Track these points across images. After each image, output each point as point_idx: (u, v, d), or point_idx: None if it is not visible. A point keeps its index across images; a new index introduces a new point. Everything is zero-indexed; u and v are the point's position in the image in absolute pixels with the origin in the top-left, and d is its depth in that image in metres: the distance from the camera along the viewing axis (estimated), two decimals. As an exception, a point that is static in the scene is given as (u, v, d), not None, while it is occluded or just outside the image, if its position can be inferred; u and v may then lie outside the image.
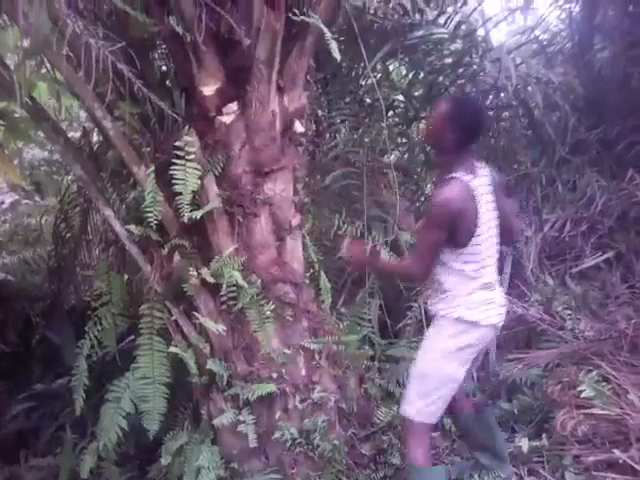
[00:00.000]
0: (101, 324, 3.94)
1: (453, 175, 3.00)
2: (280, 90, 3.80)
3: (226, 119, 3.64)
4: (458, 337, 3.07)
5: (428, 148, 6.33)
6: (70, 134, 4.45)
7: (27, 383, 5.08)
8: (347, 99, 5.85)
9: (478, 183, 3.02)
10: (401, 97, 6.17)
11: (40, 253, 6.64)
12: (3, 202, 7.85)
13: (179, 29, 3.49)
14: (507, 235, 3.26)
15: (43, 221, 6.87)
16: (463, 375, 3.17)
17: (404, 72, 6.18)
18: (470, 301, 3.06)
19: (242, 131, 3.66)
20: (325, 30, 3.58)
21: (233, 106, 3.65)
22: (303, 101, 3.93)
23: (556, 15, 7.33)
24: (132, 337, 4.18)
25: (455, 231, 2.96)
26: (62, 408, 4.58)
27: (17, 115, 4.56)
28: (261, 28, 3.56)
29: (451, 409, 3.38)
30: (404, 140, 6.19)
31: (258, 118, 3.67)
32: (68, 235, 5.47)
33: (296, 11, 3.64)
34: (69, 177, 5.77)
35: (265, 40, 3.58)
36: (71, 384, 3.98)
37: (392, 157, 5.77)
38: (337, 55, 3.61)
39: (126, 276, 4.06)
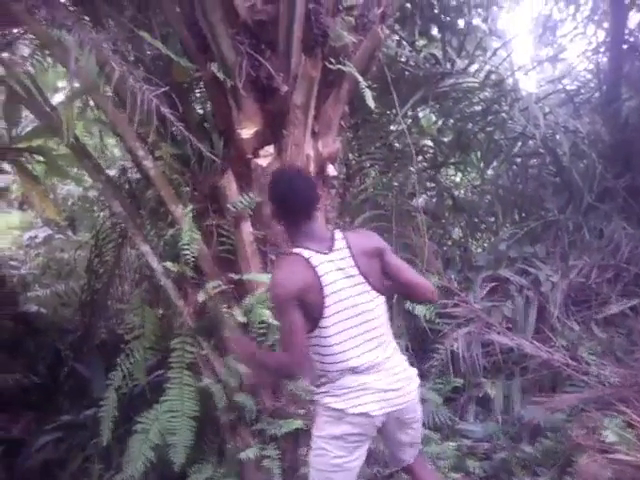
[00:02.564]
0: (133, 357, 4.03)
1: (292, 251, 2.69)
2: (315, 135, 3.95)
3: (262, 161, 3.79)
4: (332, 425, 2.69)
5: (456, 193, 6.47)
6: (108, 172, 4.59)
7: (55, 414, 5.14)
8: (377, 144, 6.00)
9: (327, 259, 2.64)
10: (430, 143, 6.31)
11: (72, 287, 6.76)
12: (37, 236, 8.02)
13: (220, 75, 3.67)
14: (415, 294, 2.92)
15: (76, 256, 7.02)
16: (355, 464, 2.76)
17: (434, 119, 6.32)
18: (336, 387, 2.68)
19: (277, 174, 3.78)
20: (360, 79, 3.73)
21: (270, 149, 3.80)
22: (337, 146, 4.08)
23: (584, 66, 7.46)
24: (161, 371, 4.27)
25: (305, 310, 2.60)
26: (89, 439, 4.62)
27: (55, 152, 4.74)
28: (299, 75, 3.73)
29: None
30: (432, 185, 6.29)
31: (293, 161, 3.80)
32: (101, 270, 5.62)
33: (332, 60, 3.81)
34: (103, 213, 5.91)
35: (302, 87, 3.73)
36: (99, 415, 4.07)
37: (420, 200, 5.86)
38: (371, 103, 3.76)
39: (160, 311, 4.16)
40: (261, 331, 3.62)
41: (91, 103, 4.39)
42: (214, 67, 3.68)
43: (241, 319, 3.60)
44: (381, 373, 2.70)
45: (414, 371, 2.89)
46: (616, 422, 3.95)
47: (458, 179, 6.98)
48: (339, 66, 3.79)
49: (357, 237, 2.80)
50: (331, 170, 4.02)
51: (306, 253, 2.63)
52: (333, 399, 2.67)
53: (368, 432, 2.71)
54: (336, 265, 2.65)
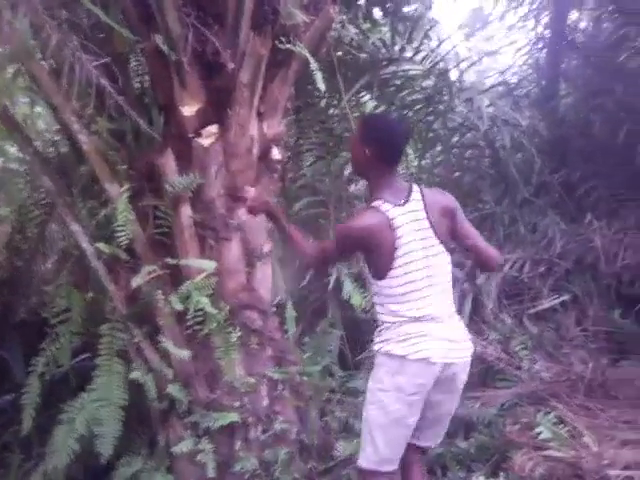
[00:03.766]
0: (58, 341, 3.81)
1: (372, 204, 2.72)
2: (260, 116, 3.79)
3: (205, 141, 3.61)
4: (395, 375, 2.69)
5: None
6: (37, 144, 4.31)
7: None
8: (316, 128, 5.87)
9: (402, 211, 2.68)
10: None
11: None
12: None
13: (164, 48, 3.46)
14: (479, 261, 2.96)
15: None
16: (413, 419, 2.75)
17: (374, 104, 6.23)
18: (397, 333, 2.70)
19: (220, 154, 3.63)
20: (311, 60, 3.59)
21: (213, 128, 3.63)
22: (282, 128, 3.95)
23: (523, 60, 7.49)
24: (87, 355, 4.07)
25: (369, 261, 2.75)
26: (7, 426, 4.39)
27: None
28: (246, 52, 3.57)
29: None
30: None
31: (237, 142, 3.66)
32: (23, 247, 5.32)
33: (282, 39, 3.66)
34: (26, 187, 5.58)
35: (249, 65, 3.58)
36: (20, 402, 3.84)
37: (357, 187, 5.79)
38: (322, 86, 3.64)
39: (89, 294, 3.94)
40: (198, 319, 3.46)
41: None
42: (158, 39, 3.47)
43: (177, 306, 3.42)
44: (444, 324, 2.75)
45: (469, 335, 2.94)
46: (549, 418, 3.98)
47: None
48: (289, 45, 3.64)
49: (432, 193, 2.85)
50: (275, 153, 3.88)
51: (384, 206, 2.67)
52: (394, 346, 2.69)
53: (427, 382, 2.69)
54: (410, 217, 2.69)
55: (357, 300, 4.50)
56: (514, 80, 7.27)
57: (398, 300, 2.70)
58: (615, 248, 5.76)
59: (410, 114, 5.95)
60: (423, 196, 2.76)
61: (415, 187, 2.80)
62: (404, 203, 2.71)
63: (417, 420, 2.77)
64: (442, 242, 2.77)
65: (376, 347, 2.80)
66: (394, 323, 2.72)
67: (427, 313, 2.70)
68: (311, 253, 2.92)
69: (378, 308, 2.80)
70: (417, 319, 2.69)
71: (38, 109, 4.96)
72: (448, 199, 2.87)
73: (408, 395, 2.68)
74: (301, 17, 3.67)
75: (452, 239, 2.85)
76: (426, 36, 5.84)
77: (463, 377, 2.85)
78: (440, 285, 2.77)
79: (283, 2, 3.63)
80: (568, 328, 5.34)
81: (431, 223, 2.74)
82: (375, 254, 2.69)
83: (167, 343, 3.47)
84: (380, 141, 2.73)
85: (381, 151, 2.73)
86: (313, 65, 3.62)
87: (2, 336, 5.34)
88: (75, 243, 3.92)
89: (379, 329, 2.80)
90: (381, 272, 2.70)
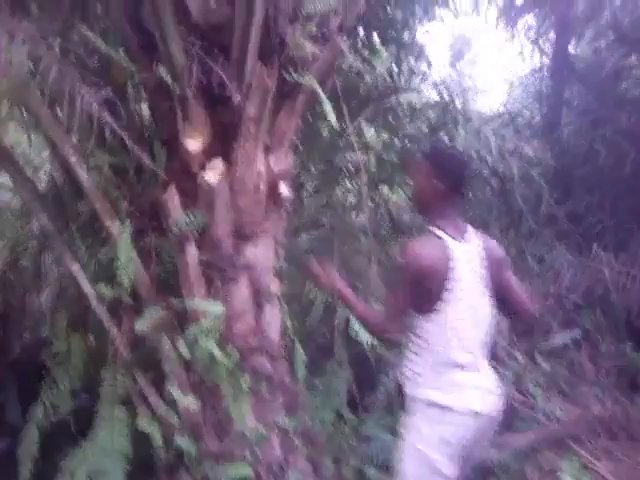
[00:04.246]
0: (57, 387, 3.62)
1: (430, 229, 2.70)
2: (267, 150, 3.64)
3: (210, 177, 3.44)
4: (436, 425, 2.61)
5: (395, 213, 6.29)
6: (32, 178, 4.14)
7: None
8: (316, 158, 5.74)
9: (460, 247, 2.65)
10: (371, 159, 6.09)
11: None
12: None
13: (167, 79, 3.31)
14: (519, 315, 2.87)
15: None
16: (452, 470, 2.64)
17: (376, 134, 6.11)
18: (440, 381, 2.64)
19: (226, 190, 3.47)
20: (320, 92, 3.46)
21: (218, 163, 3.46)
22: (289, 162, 3.79)
23: (526, 88, 7.43)
24: (87, 399, 3.88)
25: (419, 292, 2.61)
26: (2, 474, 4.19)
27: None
28: (253, 84, 3.42)
29: None
30: (374, 203, 6.08)
31: (243, 178, 3.50)
32: (17, 282, 5.13)
33: (290, 70, 3.53)
34: (21, 221, 5.41)
35: (256, 97, 3.44)
36: (15, 449, 3.63)
37: (362, 220, 5.63)
38: (333, 118, 3.49)
39: (88, 337, 3.75)
40: (206, 365, 3.28)
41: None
42: (161, 70, 3.33)
43: (184, 351, 3.25)
44: (481, 373, 2.72)
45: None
46: (572, 464, 3.82)
47: (396, 198, 6.78)
48: (297, 77, 3.51)
49: (485, 238, 2.82)
50: (283, 189, 3.72)
51: (444, 236, 2.65)
52: (436, 394, 2.63)
53: (471, 433, 2.63)
54: (466, 256, 2.65)
55: (365, 337, 4.34)
56: (515, 109, 7.19)
57: (441, 340, 2.64)
58: (623, 280, 5.66)
59: (413, 145, 5.81)
60: (479, 239, 2.76)
61: (470, 228, 2.79)
62: (461, 241, 2.69)
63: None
64: (489, 288, 2.73)
65: (414, 394, 2.73)
66: (435, 369, 2.65)
67: (469, 359, 2.66)
68: (386, 321, 2.72)
69: (417, 351, 2.72)
70: (459, 365, 2.64)
71: (34, 142, 4.80)
72: (498, 248, 2.85)
73: (450, 446, 2.61)
74: (309, 48, 3.54)
75: (495, 288, 2.78)
76: (429, 64, 5.76)
77: (495, 427, 2.78)
78: (482, 331, 2.73)
79: (290, 33, 3.51)
80: (581, 364, 5.22)
81: (483, 267, 2.71)
82: (428, 283, 2.60)
83: (173, 390, 3.29)
84: (451, 173, 2.75)
85: (452, 183, 2.73)
86: (322, 97, 3.48)
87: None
88: (73, 282, 3.75)
89: (414, 373, 2.73)
90: (429, 304, 2.63)
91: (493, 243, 2.84)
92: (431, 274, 2.59)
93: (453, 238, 2.66)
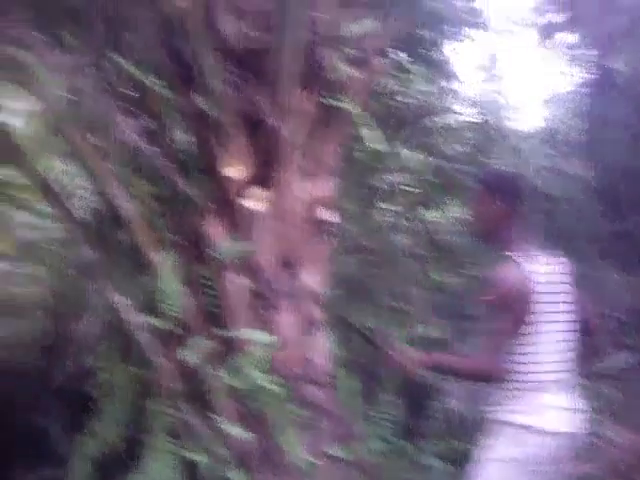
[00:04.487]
0: (103, 418, 3.59)
1: (508, 253, 2.66)
2: (307, 175, 3.59)
3: (250, 204, 3.41)
4: (520, 447, 2.59)
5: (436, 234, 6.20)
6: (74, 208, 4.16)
7: (7, 471, 4.64)
8: (354, 181, 5.69)
9: (538, 267, 2.63)
10: (408, 180, 6.03)
11: (25, 326, 6.23)
12: (-16, 268, 7.43)
13: (205, 106, 3.30)
14: (584, 332, 2.81)
15: (29, 291, 6.48)
16: None
17: (413, 155, 6.05)
18: (524, 402, 2.62)
19: (267, 218, 3.43)
20: (361, 116, 3.42)
21: (258, 191, 3.44)
22: (330, 187, 3.74)
23: (565, 105, 7.35)
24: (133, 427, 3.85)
25: (505, 318, 2.61)
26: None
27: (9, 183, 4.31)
28: (292, 111, 3.39)
29: None
30: (411, 225, 6.01)
31: (284, 204, 3.47)
32: (61, 311, 5.16)
33: (328, 94, 3.50)
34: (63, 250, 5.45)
35: (295, 123, 3.41)
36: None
37: (403, 242, 5.57)
38: (373, 141, 3.46)
39: (134, 369, 3.72)
40: (253, 395, 3.22)
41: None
42: (198, 97, 3.32)
43: (229, 381, 3.19)
44: (563, 393, 2.68)
45: None
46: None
47: (437, 219, 6.70)
48: (336, 101, 3.47)
49: (550, 257, 2.76)
50: (325, 214, 3.67)
51: (522, 258, 2.62)
52: (522, 415, 2.61)
53: (554, 453, 2.60)
54: (544, 277, 2.63)
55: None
56: (554, 126, 7.10)
57: (525, 362, 2.62)
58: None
59: (450, 165, 5.74)
60: (547, 258, 2.73)
61: (536, 250, 2.75)
62: (537, 261, 2.66)
63: None
64: (565, 307, 2.71)
65: (497, 416, 2.71)
66: (520, 390, 2.63)
67: (552, 378, 2.65)
68: (487, 361, 2.64)
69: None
70: (545, 387, 2.63)
71: (74, 171, 4.84)
72: (563, 266, 2.80)
73: (534, 466, 2.59)
74: (347, 71, 3.50)
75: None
76: (463, 83, 5.73)
77: (572, 448, 2.73)
78: (563, 350, 2.70)
79: (328, 56, 3.47)
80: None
81: (558, 286, 2.70)
82: (518, 307, 2.59)
83: (221, 421, 3.24)
84: (511, 190, 2.77)
85: (514, 200, 2.74)
86: (363, 121, 3.44)
87: (40, 404, 5.16)
88: (117, 312, 3.73)
89: (496, 395, 2.71)
90: (515, 328, 2.60)
91: (557, 260, 2.80)
92: (520, 298, 2.58)
93: (529, 259, 2.64)
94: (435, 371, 3.08)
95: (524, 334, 2.60)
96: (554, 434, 2.59)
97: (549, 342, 2.65)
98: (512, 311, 2.59)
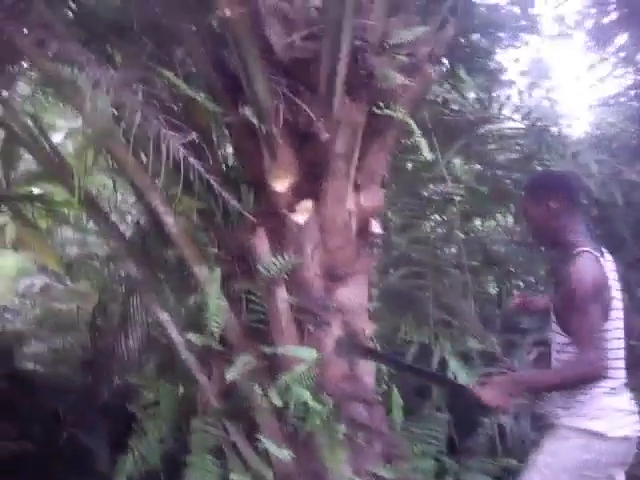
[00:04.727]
0: (146, 438, 3.54)
1: (582, 249, 2.51)
2: (357, 187, 3.50)
3: (299, 217, 3.32)
4: (586, 454, 2.47)
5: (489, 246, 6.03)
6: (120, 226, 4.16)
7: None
8: (404, 192, 5.56)
9: (607, 263, 2.56)
10: (461, 191, 5.88)
11: (71, 342, 6.25)
12: (33, 284, 7.49)
13: (253, 119, 3.22)
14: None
15: (75, 308, 6.51)
16: None
17: (466, 164, 5.91)
18: (594, 407, 2.48)
19: (316, 231, 3.34)
20: (414, 126, 3.30)
21: (307, 204, 3.34)
22: (380, 199, 3.63)
23: (620, 109, 7.11)
24: (176, 446, 3.80)
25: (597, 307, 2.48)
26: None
27: (58, 201, 4.33)
28: (341, 120, 3.29)
29: None
30: (464, 236, 5.85)
31: (333, 217, 3.37)
32: (105, 327, 5.15)
33: (379, 103, 3.39)
34: (108, 266, 5.45)
35: (345, 133, 3.31)
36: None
37: (455, 254, 5.42)
38: (428, 154, 3.33)
39: (178, 388, 3.68)
40: (299, 414, 3.14)
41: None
42: (246, 110, 3.24)
43: (276, 401, 3.11)
44: (629, 394, 2.58)
45: None
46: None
47: (490, 230, 6.52)
48: (387, 111, 3.35)
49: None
50: (374, 227, 3.57)
51: (594, 252, 2.52)
52: (592, 421, 2.47)
53: (624, 460, 2.54)
54: (613, 274, 2.58)
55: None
56: (609, 132, 6.86)
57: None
58: None
59: (504, 173, 5.57)
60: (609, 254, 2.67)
61: (599, 245, 2.67)
62: (604, 256, 2.59)
63: None
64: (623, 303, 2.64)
65: (558, 422, 2.58)
66: (589, 395, 2.49)
67: (622, 381, 2.55)
68: (590, 364, 2.43)
69: None
70: (614, 391, 2.50)
71: (120, 188, 4.85)
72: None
73: (601, 474, 2.52)
74: (398, 79, 3.39)
75: None
76: (516, 90, 5.57)
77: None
78: (625, 350, 2.59)
79: (378, 64, 3.36)
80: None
81: (619, 281, 2.64)
82: (601, 302, 2.47)
83: (266, 441, 3.15)
84: (561, 187, 2.72)
85: (566, 197, 2.67)
86: (416, 131, 3.32)
87: (84, 420, 5.15)
88: (161, 329, 3.69)
89: (564, 400, 2.57)
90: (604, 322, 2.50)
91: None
92: (603, 292, 2.47)
93: (600, 254, 2.55)
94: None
95: (606, 330, 2.48)
96: (622, 439, 2.49)
97: (620, 340, 2.55)
98: (601, 301, 2.45)
